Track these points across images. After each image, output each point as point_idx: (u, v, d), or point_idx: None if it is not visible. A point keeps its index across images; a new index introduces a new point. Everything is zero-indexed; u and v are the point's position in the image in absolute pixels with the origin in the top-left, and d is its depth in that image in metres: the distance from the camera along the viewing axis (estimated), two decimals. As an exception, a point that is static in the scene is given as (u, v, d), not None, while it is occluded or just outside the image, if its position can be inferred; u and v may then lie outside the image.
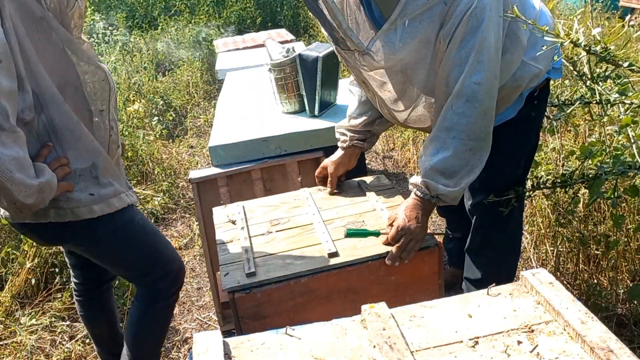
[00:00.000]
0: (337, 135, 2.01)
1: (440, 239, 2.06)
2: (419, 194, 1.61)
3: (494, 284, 1.21)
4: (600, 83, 1.63)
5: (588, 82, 1.66)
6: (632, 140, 1.83)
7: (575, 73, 1.72)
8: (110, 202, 1.59)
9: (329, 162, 1.99)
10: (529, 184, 2.05)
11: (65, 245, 1.86)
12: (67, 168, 1.49)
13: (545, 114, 2.04)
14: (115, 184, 1.62)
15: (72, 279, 1.99)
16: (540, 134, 2.20)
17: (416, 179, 1.63)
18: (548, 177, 1.98)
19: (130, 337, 1.87)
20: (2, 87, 1.24)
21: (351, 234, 1.69)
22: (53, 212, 1.51)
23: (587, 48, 1.42)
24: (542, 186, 1.91)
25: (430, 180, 1.58)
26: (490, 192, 1.89)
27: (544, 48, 1.65)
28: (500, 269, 2.07)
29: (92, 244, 1.66)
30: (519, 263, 2.53)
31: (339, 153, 1.99)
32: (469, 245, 2.12)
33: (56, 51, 1.47)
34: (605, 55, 1.43)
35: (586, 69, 1.75)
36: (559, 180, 1.90)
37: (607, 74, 1.65)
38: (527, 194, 1.92)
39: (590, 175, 1.80)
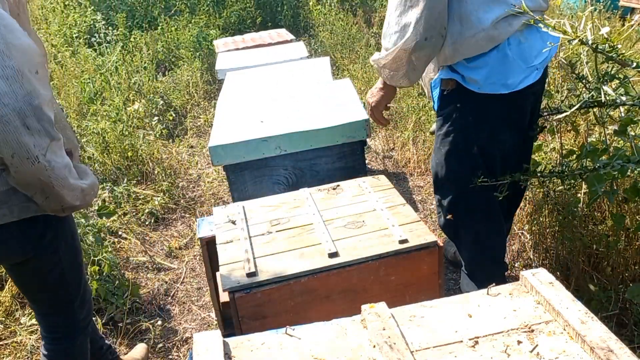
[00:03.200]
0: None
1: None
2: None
3: (493, 284, 1.21)
4: (606, 83, 1.61)
5: (586, 84, 1.66)
6: (631, 137, 1.82)
7: (574, 75, 1.71)
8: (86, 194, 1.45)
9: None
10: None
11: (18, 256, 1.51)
12: None
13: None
14: (91, 174, 1.50)
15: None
16: (540, 133, 2.19)
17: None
18: (545, 169, 1.99)
19: None
20: (43, 97, 1.25)
21: None
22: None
23: (595, 46, 1.41)
24: (539, 174, 1.91)
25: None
26: (437, 186, 2.01)
27: (549, 44, 1.64)
28: (475, 267, 2.12)
29: (52, 248, 1.50)
30: (519, 263, 2.53)
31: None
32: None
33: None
34: (613, 55, 1.42)
35: (586, 70, 1.74)
36: (557, 170, 1.89)
37: (612, 73, 1.64)
38: (527, 181, 1.94)
39: (588, 167, 1.79)
